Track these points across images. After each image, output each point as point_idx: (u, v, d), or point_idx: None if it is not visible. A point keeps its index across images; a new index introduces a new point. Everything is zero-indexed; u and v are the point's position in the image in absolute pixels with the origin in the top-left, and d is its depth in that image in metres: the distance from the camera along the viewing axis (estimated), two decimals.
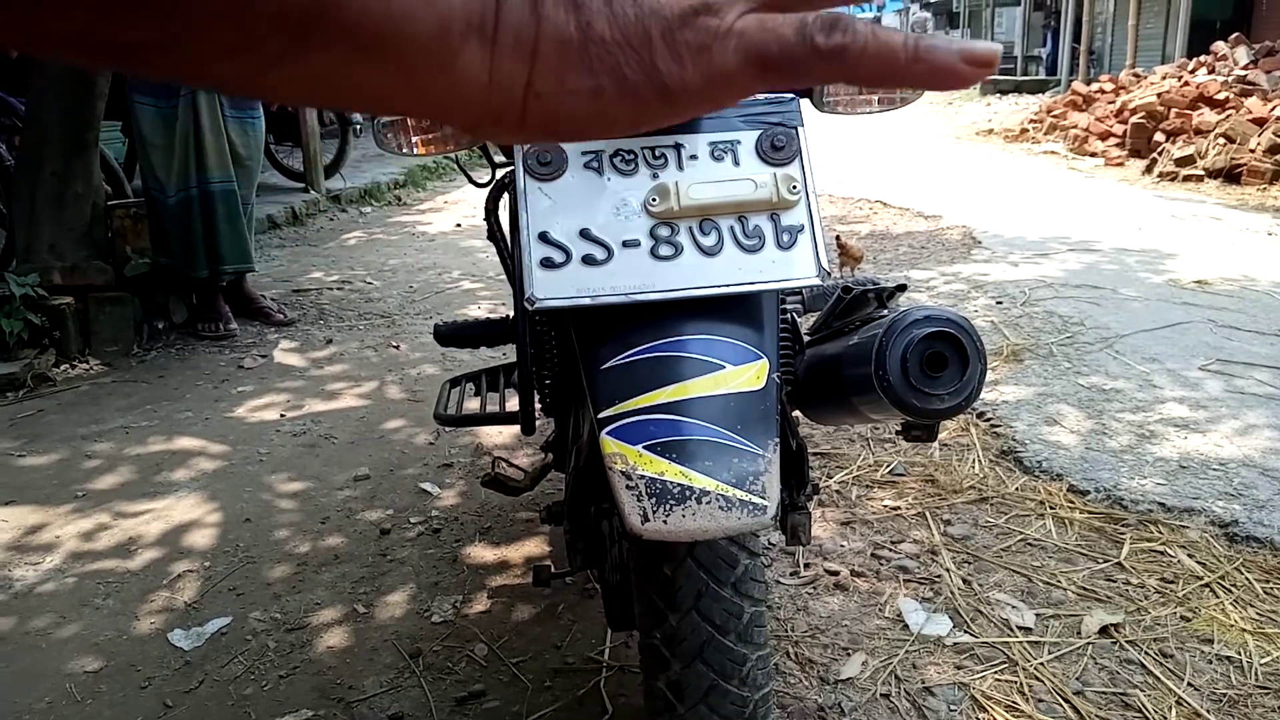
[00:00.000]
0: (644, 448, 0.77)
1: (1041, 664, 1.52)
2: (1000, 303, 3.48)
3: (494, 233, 1.29)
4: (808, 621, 1.68)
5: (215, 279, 3.53)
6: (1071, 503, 1.99)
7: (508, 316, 1.81)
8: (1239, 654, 1.51)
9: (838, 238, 4.23)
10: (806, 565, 1.85)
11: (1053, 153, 8.43)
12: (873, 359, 1.04)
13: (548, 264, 0.81)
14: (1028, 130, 9.75)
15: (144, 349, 3.43)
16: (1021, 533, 1.91)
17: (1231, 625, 1.57)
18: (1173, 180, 6.85)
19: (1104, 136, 8.26)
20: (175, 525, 2.15)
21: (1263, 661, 1.49)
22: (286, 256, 5.09)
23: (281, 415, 2.80)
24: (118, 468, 2.46)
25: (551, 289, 0.80)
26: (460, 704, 1.52)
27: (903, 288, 1.23)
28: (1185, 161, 7.00)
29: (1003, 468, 2.19)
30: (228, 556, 2.01)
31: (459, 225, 6.06)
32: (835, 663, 1.56)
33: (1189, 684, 1.45)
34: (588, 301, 0.80)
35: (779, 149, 0.85)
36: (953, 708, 1.44)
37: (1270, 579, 1.69)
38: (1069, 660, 1.53)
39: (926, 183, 6.69)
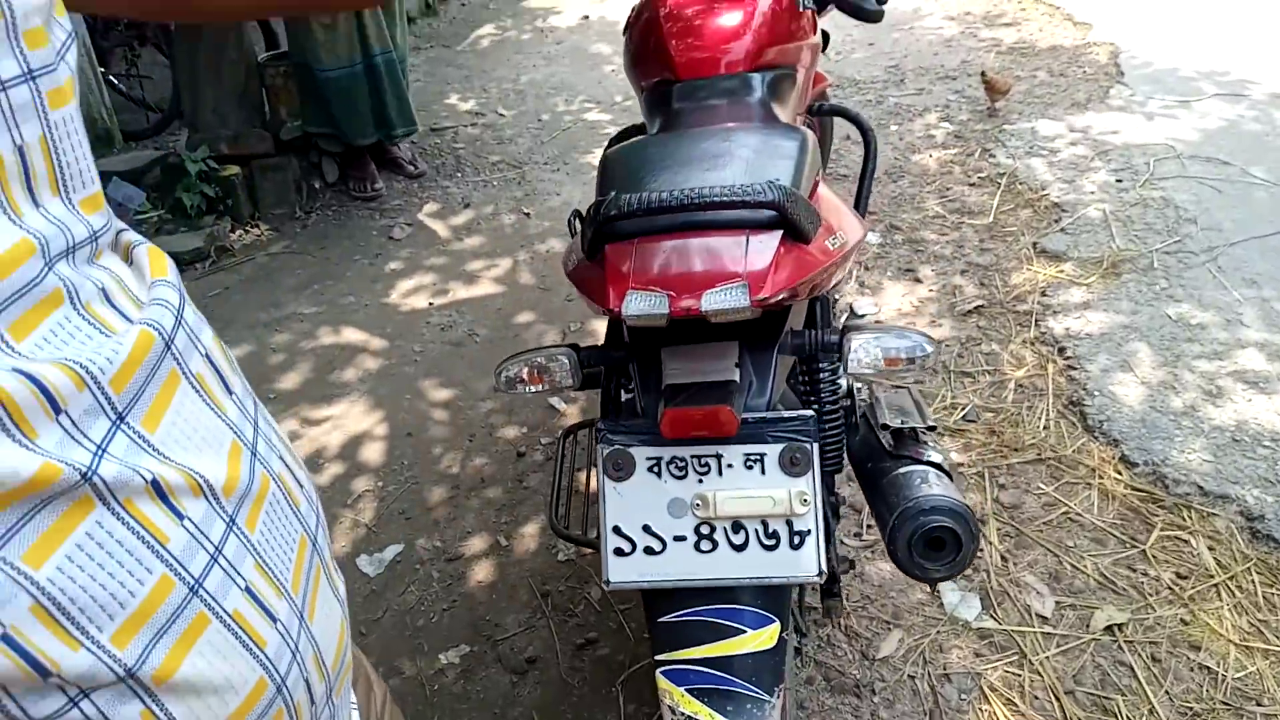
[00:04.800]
0: (686, 690, 1.11)
1: (1047, 658, 1.85)
2: (1119, 181, 3.45)
3: (560, 459, 1.54)
4: (860, 589, 2.03)
5: (380, 143, 3.83)
6: (1119, 475, 2.22)
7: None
8: (1218, 665, 1.80)
9: (983, 74, 4.14)
10: (869, 527, 2.18)
11: None
12: (886, 533, 1.33)
13: (619, 552, 1.12)
14: None
15: (304, 211, 3.82)
16: (1066, 504, 2.17)
17: (1222, 633, 1.85)
18: None
19: None
20: (350, 437, 2.62)
21: (1235, 675, 1.78)
22: (424, 69, 5.28)
23: (430, 304, 3.19)
24: (298, 364, 2.94)
25: (621, 574, 1.12)
26: (579, 650, 1.98)
27: (932, 428, 1.48)
28: None
29: (1067, 421, 2.40)
30: (395, 475, 2.48)
31: (586, 17, 6.02)
32: (877, 638, 1.93)
33: (1166, 692, 1.77)
34: (646, 585, 1.12)
35: (795, 464, 1.11)
36: (963, 696, 1.81)
37: (1275, 584, 1.93)
38: (1073, 655, 1.86)
39: None
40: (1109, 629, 1.89)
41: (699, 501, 1.11)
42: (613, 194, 1.11)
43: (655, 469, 1.12)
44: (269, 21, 4.22)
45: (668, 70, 1.79)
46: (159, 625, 0.50)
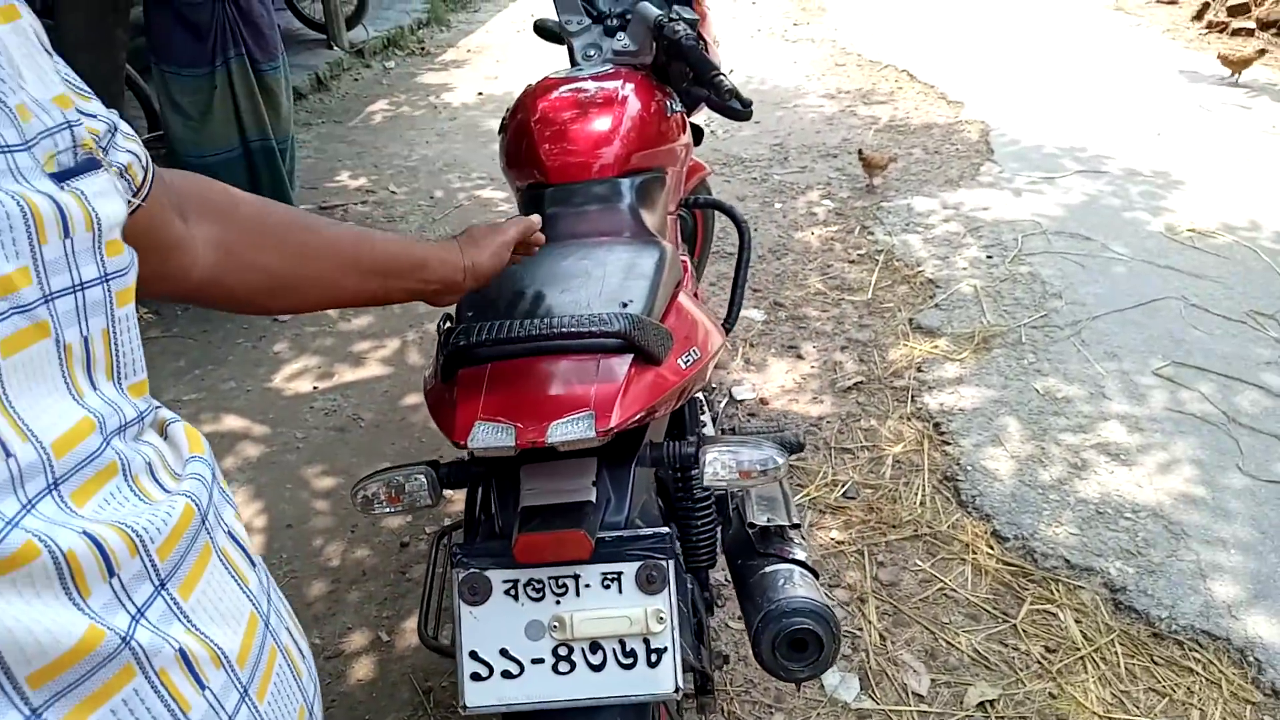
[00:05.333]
0: None
1: None
2: (990, 257, 3.62)
3: (431, 566, 1.52)
4: (744, 674, 2.04)
5: None
6: (991, 550, 2.29)
7: None
8: None
9: (859, 152, 4.31)
10: None
11: None
12: (750, 634, 1.34)
13: (476, 677, 1.10)
14: None
15: None
16: (942, 580, 2.23)
17: (1087, 706, 1.91)
18: (1221, 32, 6.60)
19: None
20: None
21: None
22: (314, 145, 5.24)
23: (314, 388, 3.13)
24: None
25: (478, 698, 1.10)
26: None
27: (797, 526, 1.51)
28: (1238, 10, 6.69)
29: (942, 497, 2.48)
30: (274, 569, 2.40)
31: (480, 93, 6.08)
32: None
33: None
34: (505, 709, 1.10)
35: (651, 582, 1.12)
36: None
37: (1136, 655, 2.01)
38: None
39: (959, 42, 6.50)
40: (981, 705, 1.93)
41: (556, 623, 1.11)
42: (463, 325, 1.12)
43: (512, 592, 1.12)
44: (151, 102, 4.15)
45: (539, 173, 1.82)
46: None
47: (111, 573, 0.51)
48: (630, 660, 1.11)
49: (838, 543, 2.36)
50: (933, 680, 2.00)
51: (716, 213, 3.08)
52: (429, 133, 5.39)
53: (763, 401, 2.90)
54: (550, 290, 1.29)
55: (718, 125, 5.23)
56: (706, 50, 2.04)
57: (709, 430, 2.16)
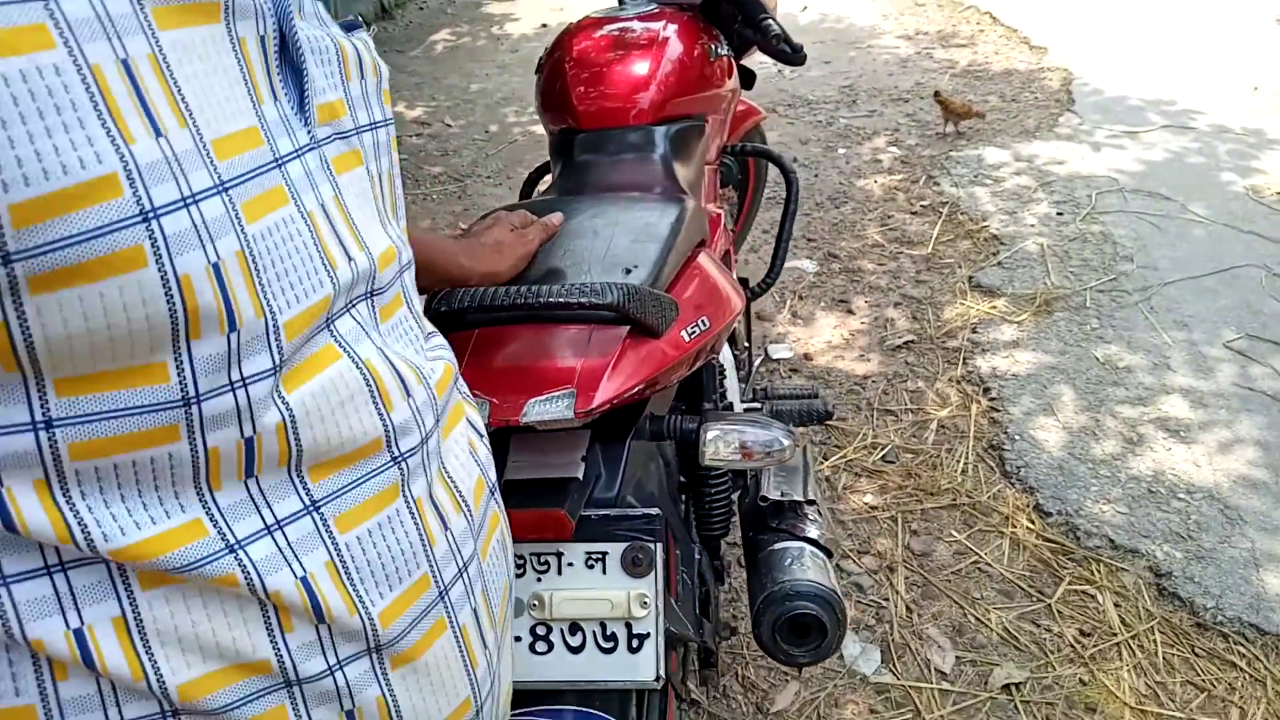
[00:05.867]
0: None
1: (942, 716, 1.82)
2: (1060, 214, 3.44)
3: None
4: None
5: None
6: (1032, 524, 2.19)
7: None
8: None
9: (936, 94, 4.11)
10: None
11: None
12: (752, 614, 1.28)
13: None
14: None
15: None
16: (977, 553, 2.14)
17: (1119, 695, 1.82)
18: None
19: None
20: None
21: None
22: None
23: None
24: None
25: None
26: None
27: (812, 502, 1.43)
28: None
29: (985, 466, 2.37)
30: None
31: (544, 25, 5.96)
32: (774, 689, 1.89)
33: None
34: None
35: (637, 565, 1.06)
36: None
37: (1176, 645, 1.91)
38: (968, 713, 1.82)
39: None
40: (1006, 688, 1.86)
41: (535, 601, 1.06)
42: (447, 289, 1.05)
43: None
44: None
45: (571, 118, 1.74)
46: (414, 616, 0.58)
47: (408, 394, 0.58)
48: (611, 644, 1.06)
49: (871, 508, 2.28)
50: (958, 658, 1.93)
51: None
52: (489, 64, 5.30)
53: (806, 357, 2.81)
54: (554, 251, 1.22)
55: (780, 64, 5.06)
56: None
57: (734, 392, 2.09)
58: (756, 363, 2.27)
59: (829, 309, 3.05)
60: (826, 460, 2.42)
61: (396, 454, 0.57)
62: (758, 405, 2.11)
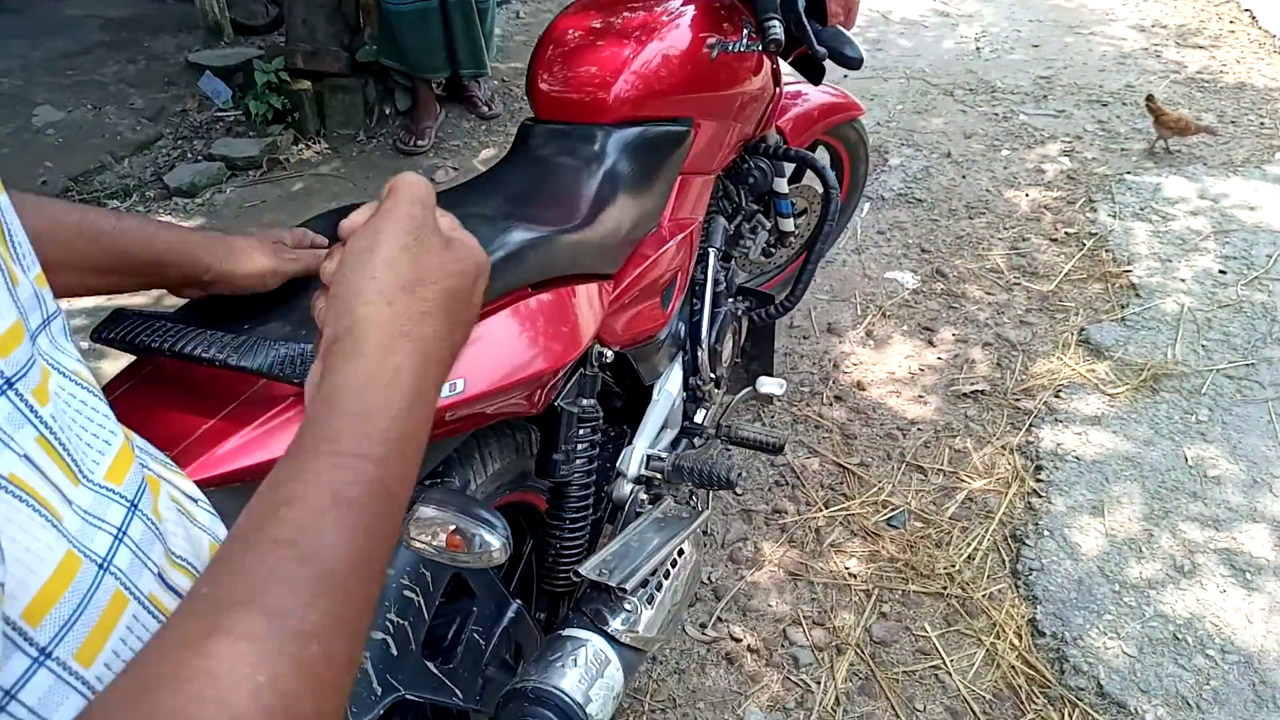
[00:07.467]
0: None
1: None
2: (1224, 272, 2.93)
3: None
4: (669, 692, 1.86)
5: (457, 79, 3.78)
6: (1018, 640, 1.92)
7: None
8: None
9: (1149, 100, 3.56)
10: (720, 620, 1.99)
11: None
12: (494, 698, 1.19)
13: None
14: None
15: (368, 136, 3.82)
16: (943, 658, 1.90)
17: None
18: None
19: None
20: None
21: None
22: (529, 18, 5.12)
23: None
24: None
25: None
26: None
27: (625, 591, 1.29)
28: None
29: (996, 557, 2.09)
30: None
31: None
32: None
33: None
34: None
35: None
36: None
37: None
38: None
39: None
40: None
41: None
42: (124, 309, 0.96)
43: None
44: None
45: (532, 106, 1.61)
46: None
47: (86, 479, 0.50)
48: None
49: (850, 574, 2.07)
50: None
51: (869, 149, 2.70)
52: None
53: (859, 386, 2.57)
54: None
55: (983, 43, 4.57)
56: None
57: (703, 419, 1.93)
58: (739, 396, 2.08)
59: (909, 334, 2.77)
60: (827, 508, 2.22)
61: (98, 560, 0.47)
62: (718, 438, 1.95)
